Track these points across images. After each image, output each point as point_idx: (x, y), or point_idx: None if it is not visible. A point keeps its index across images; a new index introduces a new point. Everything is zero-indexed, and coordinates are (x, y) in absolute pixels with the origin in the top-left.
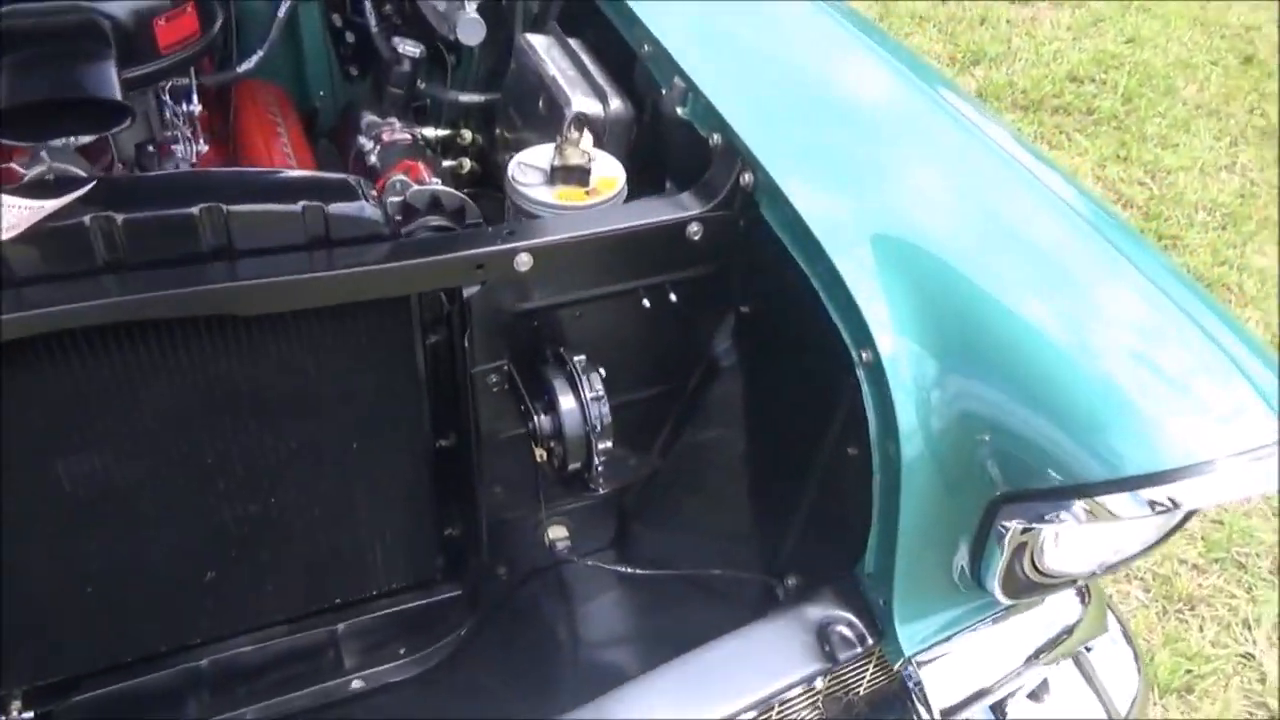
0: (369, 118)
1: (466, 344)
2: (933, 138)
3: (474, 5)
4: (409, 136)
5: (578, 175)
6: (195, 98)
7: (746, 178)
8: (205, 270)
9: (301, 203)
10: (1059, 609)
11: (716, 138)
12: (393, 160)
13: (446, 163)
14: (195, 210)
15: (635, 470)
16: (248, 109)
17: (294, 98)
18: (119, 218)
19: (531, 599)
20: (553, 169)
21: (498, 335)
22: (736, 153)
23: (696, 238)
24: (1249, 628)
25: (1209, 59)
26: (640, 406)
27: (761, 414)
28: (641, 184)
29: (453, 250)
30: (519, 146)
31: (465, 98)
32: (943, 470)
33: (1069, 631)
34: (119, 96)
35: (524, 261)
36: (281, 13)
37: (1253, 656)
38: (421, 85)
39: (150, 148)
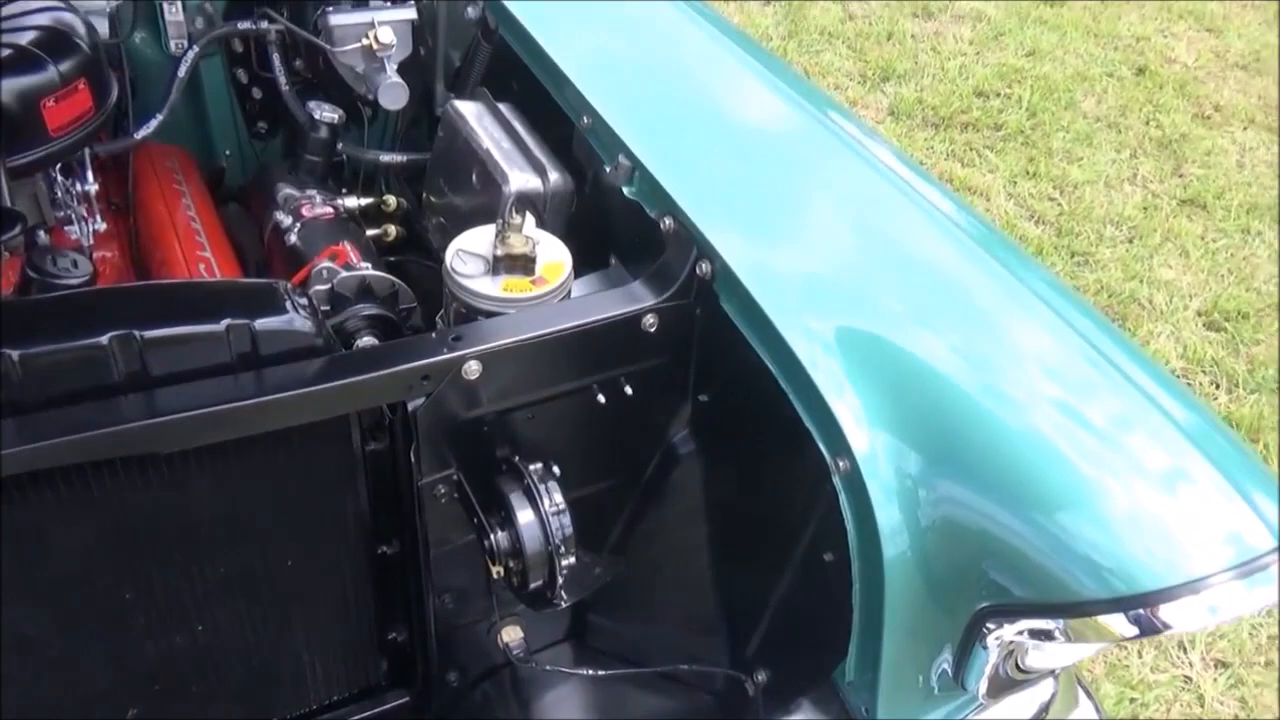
0: (285, 190)
1: (413, 457)
2: (889, 216)
3: (394, 67)
4: (330, 210)
5: (522, 264)
6: (90, 175)
7: (704, 267)
8: (119, 406)
9: (225, 321)
10: (1034, 690)
11: (668, 221)
12: (316, 241)
13: (371, 231)
14: (104, 340)
15: (601, 577)
16: (148, 176)
17: (198, 157)
18: (14, 354)
19: (484, 703)
20: (495, 258)
21: (445, 444)
22: (691, 239)
23: (652, 329)
24: (1184, 650)
25: (1104, 70)
26: (597, 499)
27: (726, 505)
28: (583, 253)
29: (395, 363)
30: (447, 214)
31: (386, 158)
32: (927, 574)
33: (1045, 709)
34: (6, 201)
35: (473, 370)
36: (182, 72)
37: (1190, 679)
38: (338, 145)
39: (41, 233)
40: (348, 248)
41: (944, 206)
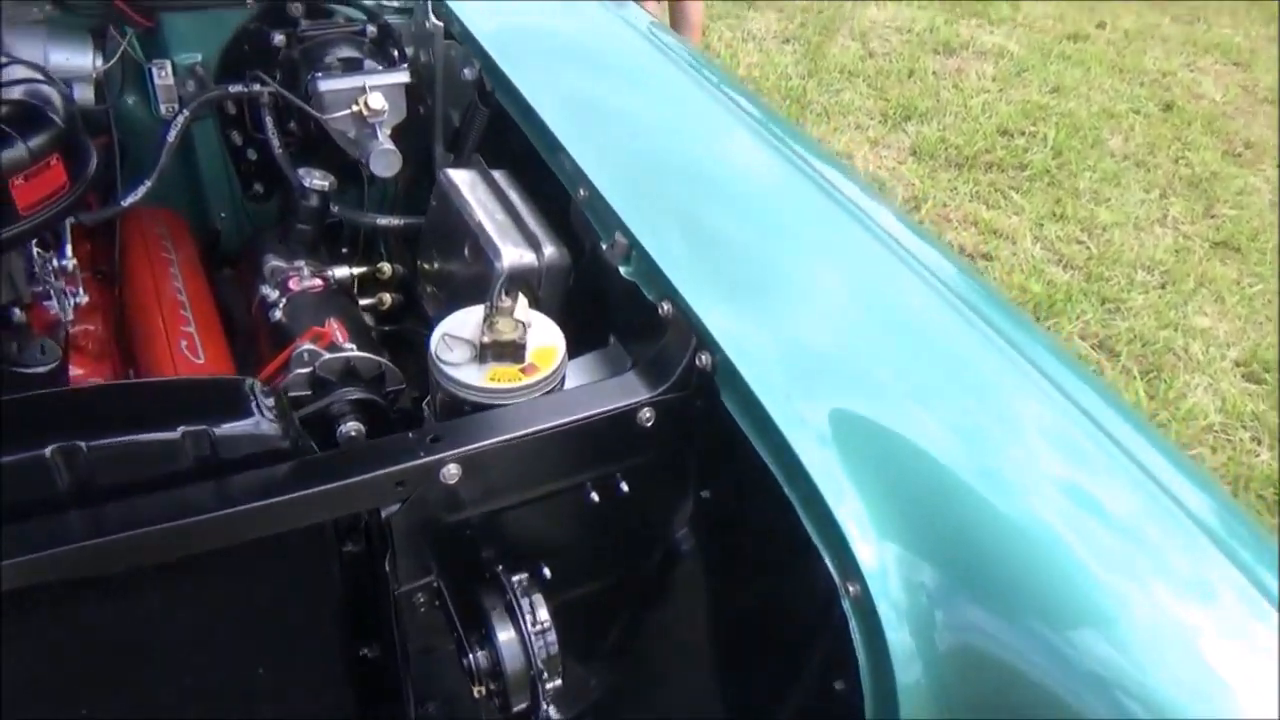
0: (273, 262)
1: (388, 565)
2: (897, 294)
3: (387, 133)
4: (319, 283)
5: (511, 351)
6: (69, 251)
7: (704, 359)
8: (62, 523)
9: (181, 428)
10: None
11: (666, 306)
12: (302, 318)
13: (365, 301)
14: (46, 452)
15: (594, 691)
16: (136, 243)
17: (192, 221)
18: None
19: None
20: (482, 345)
21: (423, 551)
22: (691, 329)
23: (649, 424)
24: None
25: (1130, 107)
26: (593, 598)
27: (731, 610)
28: (581, 330)
29: (367, 468)
30: (440, 284)
31: (384, 221)
32: (946, 702)
33: None
34: None
35: (452, 473)
36: (171, 137)
37: None
38: (334, 208)
39: (17, 310)
40: (334, 326)
41: (950, 276)
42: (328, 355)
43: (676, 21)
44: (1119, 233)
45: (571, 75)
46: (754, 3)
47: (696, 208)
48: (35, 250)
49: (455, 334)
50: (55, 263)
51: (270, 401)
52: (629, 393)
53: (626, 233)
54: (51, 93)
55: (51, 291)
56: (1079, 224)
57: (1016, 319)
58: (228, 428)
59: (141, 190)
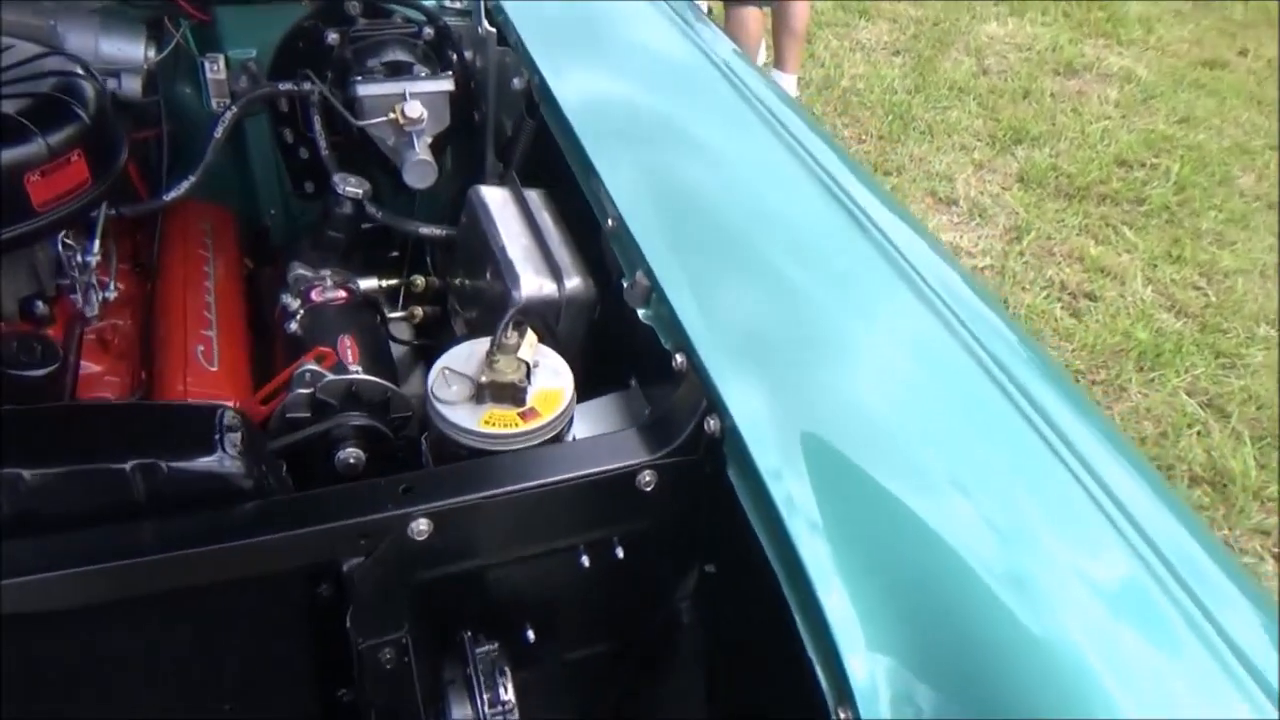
0: (298, 270)
1: (348, 620)
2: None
3: (426, 142)
4: (343, 294)
5: (510, 394)
6: (96, 246)
7: (713, 424)
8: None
9: (132, 461)
10: None
11: (680, 359)
12: (318, 331)
13: (396, 314)
14: None
15: None
16: (175, 239)
17: (243, 216)
18: None
19: None
20: (479, 385)
21: (390, 607)
22: (703, 387)
23: (649, 488)
24: None
25: (1267, 143)
26: (574, 666)
27: (729, 694)
28: (603, 368)
29: (328, 517)
30: (465, 303)
31: (426, 230)
32: None
33: None
34: None
35: (422, 529)
36: (218, 133)
37: None
38: (377, 213)
39: (40, 303)
40: (347, 343)
41: (1004, 349)
42: (330, 377)
43: (779, 27)
44: (1242, 280)
45: (620, 95)
46: (867, 12)
47: (731, 252)
48: (62, 243)
49: (456, 369)
50: (79, 257)
51: (236, 437)
52: (629, 452)
53: (649, 272)
54: (84, 86)
55: (77, 285)
56: (1197, 267)
57: (1070, 399)
58: (182, 464)
59: (185, 185)
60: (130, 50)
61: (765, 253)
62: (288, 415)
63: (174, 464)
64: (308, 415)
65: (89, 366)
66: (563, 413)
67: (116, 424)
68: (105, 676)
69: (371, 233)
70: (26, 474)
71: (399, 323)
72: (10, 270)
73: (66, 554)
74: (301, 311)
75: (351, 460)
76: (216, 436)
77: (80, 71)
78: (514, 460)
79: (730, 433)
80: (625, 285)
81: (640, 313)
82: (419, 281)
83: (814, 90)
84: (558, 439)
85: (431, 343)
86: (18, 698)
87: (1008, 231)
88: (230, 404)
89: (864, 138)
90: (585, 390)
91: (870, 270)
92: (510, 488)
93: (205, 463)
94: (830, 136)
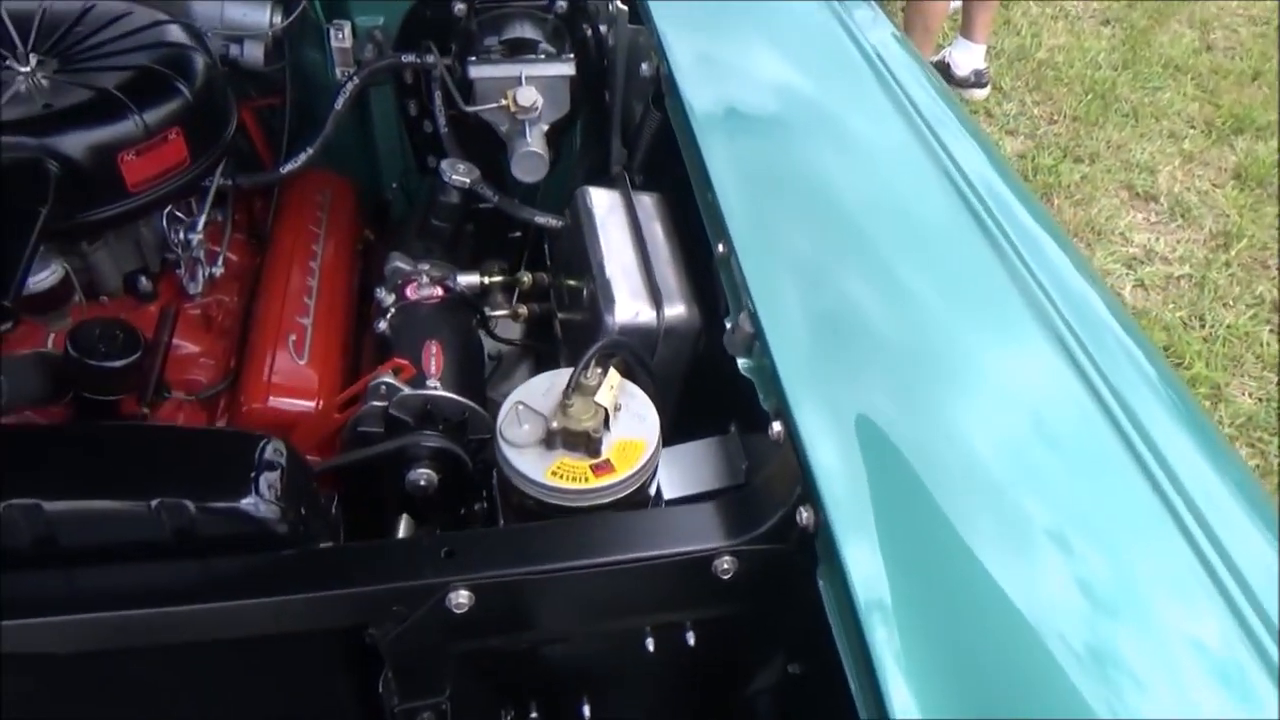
0: (396, 262)
1: (382, 682)
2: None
3: (540, 130)
4: (439, 293)
5: (584, 443)
6: (201, 224)
7: (806, 516)
8: (17, 586)
9: (158, 499)
10: None
11: (778, 428)
12: (408, 333)
13: (500, 312)
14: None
15: None
16: (289, 212)
17: (365, 187)
18: None
19: None
20: (550, 430)
21: (426, 673)
22: (799, 470)
23: (728, 576)
24: None
25: None
26: None
27: None
28: (704, 407)
29: (359, 581)
30: (564, 310)
31: (541, 219)
32: None
33: None
34: (6, 298)
35: (462, 601)
36: (339, 105)
37: None
38: (492, 196)
39: (143, 279)
40: (433, 350)
41: (1131, 386)
42: (406, 391)
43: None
44: None
45: (752, 98)
46: None
47: (858, 304)
48: (168, 216)
49: (531, 403)
50: (184, 234)
51: (275, 476)
52: (708, 533)
53: (754, 317)
54: (191, 58)
55: (182, 260)
56: None
57: (1207, 453)
58: (212, 504)
59: (302, 158)
60: (256, 15)
61: (902, 307)
62: (359, 429)
63: (203, 504)
64: (380, 430)
65: (186, 346)
66: (641, 469)
67: (148, 452)
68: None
69: (488, 212)
70: (45, 505)
71: (503, 320)
72: (113, 244)
73: (75, 596)
74: (393, 310)
75: (422, 482)
76: (253, 475)
77: (190, 42)
78: (574, 530)
79: (824, 529)
80: (728, 326)
81: (740, 362)
82: (526, 279)
83: (1005, 61)
84: (637, 493)
85: (537, 344)
86: None
87: (1214, 237)
88: (273, 436)
89: (1056, 117)
90: (679, 427)
91: (1000, 296)
92: (567, 564)
93: (237, 505)
94: (992, 150)
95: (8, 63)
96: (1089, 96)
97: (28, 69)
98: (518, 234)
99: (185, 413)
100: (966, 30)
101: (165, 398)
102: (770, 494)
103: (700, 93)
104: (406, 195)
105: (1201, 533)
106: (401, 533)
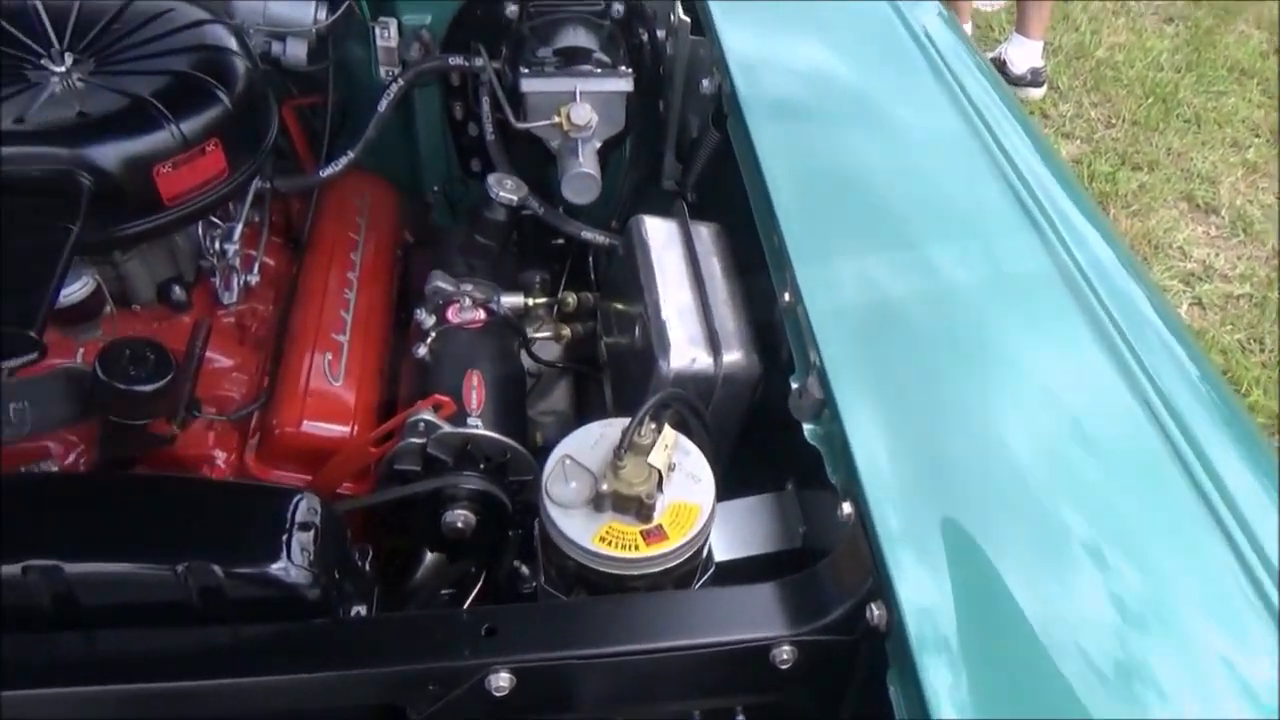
0: (437, 282)
1: None
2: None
3: (594, 148)
4: (482, 316)
5: (635, 507)
6: (238, 232)
7: (877, 614)
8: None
9: (184, 564)
10: None
11: (848, 508)
12: (448, 361)
13: (542, 334)
14: (18, 569)
15: None
16: (328, 216)
17: (406, 188)
18: None
19: None
20: (599, 492)
21: None
22: (870, 561)
23: (786, 666)
24: None
25: None
26: None
27: None
28: (759, 458)
29: (392, 659)
30: (613, 338)
31: (589, 234)
32: None
33: None
34: (33, 329)
35: (502, 685)
36: (382, 107)
37: None
38: (538, 207)
39: (177, 288)
40: (474, 381)
41: (1179, 390)
42: (445, 429)
43: None
44: None
45: (823, 127)
46: None
47: (939, 369)
48: (203, 224)
49: (578, 458)
50: (219, 244)
51: (308, 537)
52: (766, 620)
53: (824, 381)
54: (232, 62)
55: (217, 268)
56: None
57: (1254, 463)
58: (241, 569)
59: (343, 162)
60: (300, 12)
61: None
62: (396, 467)
63: (231, 569)
64: (417, 469)
65: (218, 359)
66: (694, 537)
67: (176, 508)
68: None
69: (531, 218)
70: (66, 567)
71: (545, 342)
72: (146, 254)
73: (92, 663)
74: (434, 334)
75: (460, 524)
76: (285, 536)
77: (232, 44)
78: (625, 610)
79: (898, 630)
80: (794, 387)
81: (806, 428)
82: (570, 300)
83: (1062, 59)
84: (689, 560)
85: (579, 366)
86: None
87: (1277, 254)
88: (307, 492)
89: (1114, 121)
90: (732, 478)
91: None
92: (616, 649)
93: (267, 569)
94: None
95: (42, 61)
96: (1149, 100)
97: (62, 69)
98: (561, 241)
99: (215, 433)
100: (1022, 26)
101: (195, 416)
102: (837, 582)
103: (766, 119)
104: (448, 199)
105: (1251, 550)
106: (430, 568)
